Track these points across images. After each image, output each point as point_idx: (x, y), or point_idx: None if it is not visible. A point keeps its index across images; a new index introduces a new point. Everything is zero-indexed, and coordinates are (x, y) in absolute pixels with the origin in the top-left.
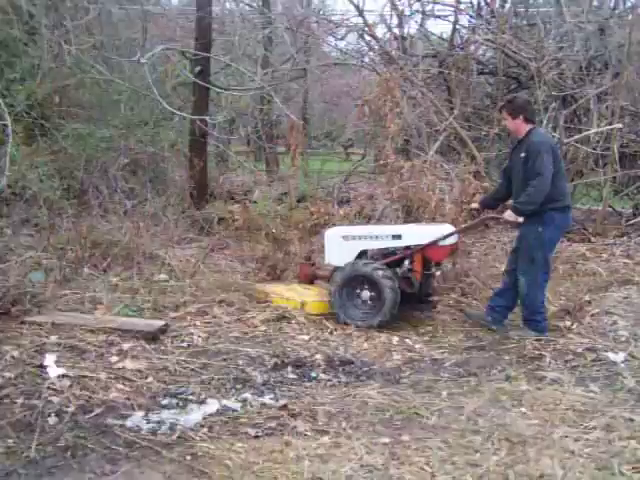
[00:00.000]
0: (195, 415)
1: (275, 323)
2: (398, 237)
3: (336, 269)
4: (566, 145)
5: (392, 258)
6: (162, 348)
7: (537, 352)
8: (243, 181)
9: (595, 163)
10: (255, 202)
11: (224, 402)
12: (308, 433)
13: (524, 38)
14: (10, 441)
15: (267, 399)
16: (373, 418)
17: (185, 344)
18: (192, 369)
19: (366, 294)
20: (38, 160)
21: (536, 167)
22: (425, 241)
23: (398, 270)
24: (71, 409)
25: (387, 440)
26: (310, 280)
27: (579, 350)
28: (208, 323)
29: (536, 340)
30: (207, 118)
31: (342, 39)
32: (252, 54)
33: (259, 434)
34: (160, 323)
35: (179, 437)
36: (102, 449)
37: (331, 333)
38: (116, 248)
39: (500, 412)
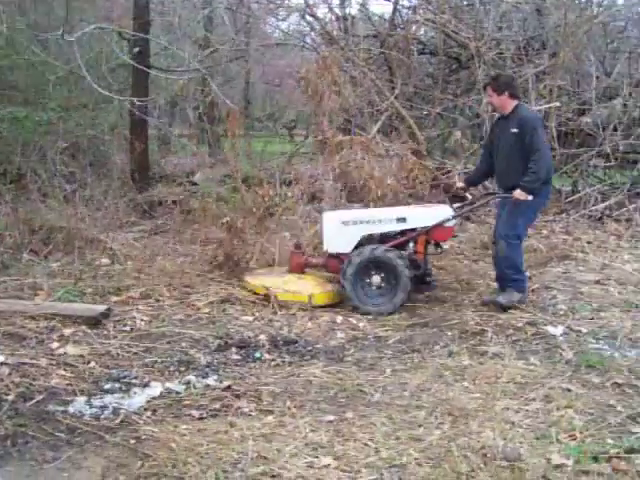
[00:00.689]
0: (139, 399)
1: (219, 305)
2: (403, 220)
3: (333, 256)
4: None
5: (398, 241)
6: (104, 333)
7: (479, 327)
8: (186, 163)
9: None
10: (197, 184)
11: (168, 385)
12: (252, 413)
13: (464, 18)
14: None
15: (211, 380)
16: (317, 396)
17: (128, 328)
18: (135, 353)
19: (377, 279)
20: None
21: (535, 143)
22: (431, 222)
23: (403, 253)
24: (11, 397)
25: (331, 418)
26: (302, 269)
27: (520, 324)
28: (151, 307)
29: (478, 316)
30: (135, 100)
31: (284, 20)
32: (192, 35)
33: (203, 416)
34: (102, 308)
35: (122, 421)
36: (44, 436)
37: (275, 313)
38: (56, 233)
39: (443, 387)
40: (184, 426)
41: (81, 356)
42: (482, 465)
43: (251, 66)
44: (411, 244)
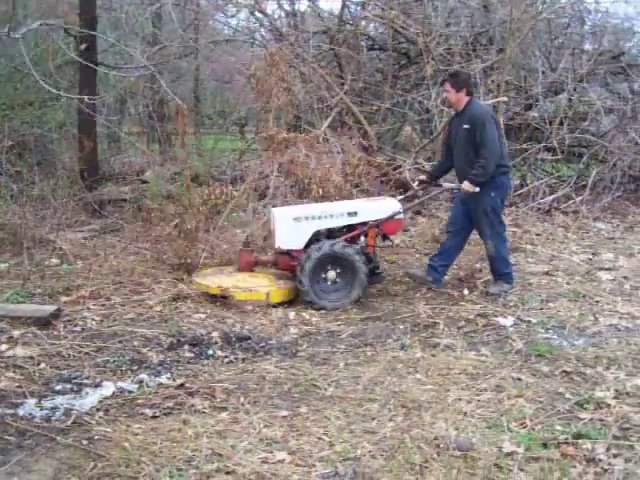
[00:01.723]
0: (90, 399)
1: (171, 303)
2: (354, 214)
3: (283, 253)
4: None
5: (350, 234)
6: (55, 333)
7: (431, 320)
8: (135, 161)
9: None
10: (146, 182)
11: (120, 384)
12: (206, 410)
13: (412, 14)
14: None
15: (164, 379)
16: (271, 392)
17: (79, 328)
18: (86, 353)
19: (332, 274)
20: None
21: (483, 138)
22: (383, 215)
23: (359, 247)
24: None
25: (285, 413)
26: (251, 267)
27: (471, 316)
28: (102, 306)
29: (429, 308)
30: (86, 98)
31: (233, 16)
32: (140, 32)
33: (157, 414)
34: (52, 308)
35: (74, 422)
36: None
37: (227, 311)
38: (3, 233)
39: (396, 380)
40: (137, 425)
41: (31, 357)
42: (435, 455)
43: (200, 63)
44: (362, 238)
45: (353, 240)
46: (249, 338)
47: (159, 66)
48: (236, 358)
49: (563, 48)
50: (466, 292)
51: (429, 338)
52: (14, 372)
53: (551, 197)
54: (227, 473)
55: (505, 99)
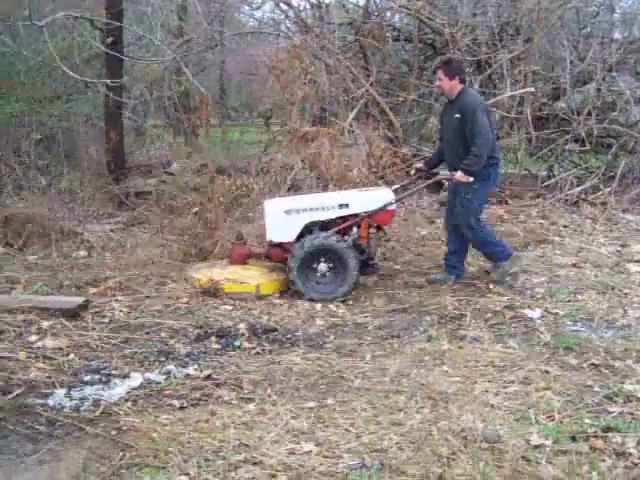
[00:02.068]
0: (119, 390)
1: (197, 295)
2: (345, 206)
3: (275, 245)
4: None
5: (342, 226)
6: (83, 325)
7: (457, 312)
8: (161, 154)
9: (510, 127)
10: (172, 174)
11: (148, 375)
12: (233, 402)
13: (438, 4)
14: None
15: (191, 370)
16: (298, 383)
17: (107, 319)
18: (114, 344)
19: (324, 267)
20: None
21: (475, 128)
22: (375, 207)
23: (347, 238)
24: None
25: (312, 404)
26: (244, 261)
27: (498, 308)
28: (129, 298)
29: (456, 300)
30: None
31: (258, 8)
32: (166, 24)
33: (184, 405)
34: (80, 300)
35: (103, 412)
36: (23, 429)
37: (254, 302)
38: (32, 226)
39: (423, 372)
40: (165, 416)
41: (60, 349)
42: (462, 447)
43: (226, 55)
44: (355, 229)
45: (346, 231)
46: (275, 330)
47: (184, 58)
48: (263, 350)
49: (592, 37)
50: (492, 284)
51: (456, 330)
52: (44, 363)
53: (579, 188)
54: (254, 464)
55: (532, 90)
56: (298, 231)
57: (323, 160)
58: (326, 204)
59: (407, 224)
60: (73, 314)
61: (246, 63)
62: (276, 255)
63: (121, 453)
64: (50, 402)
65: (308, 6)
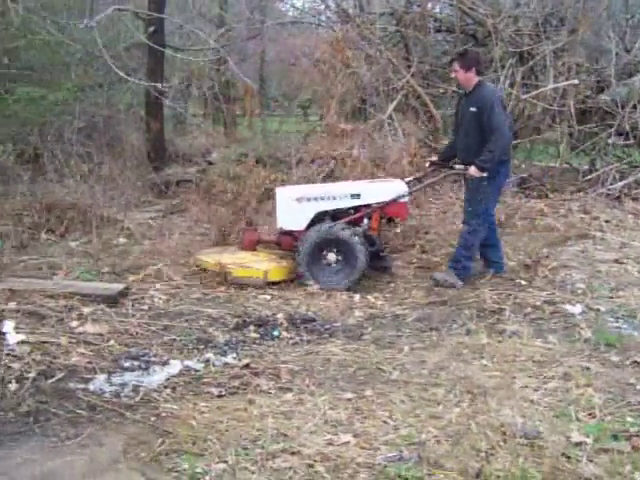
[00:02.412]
0: (158, 376)
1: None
2: (357, 196)
3: (286, 233)
4: (523, 102)
5: (353, 217)
6: (123, 311)
7: (496, 306)
8: (201, 143)
9: (552, 119)
10: (213, 163)
11: (187, 363)
12: (271, 391)
13: None
14: None
15: (230, 358)
16: (336, 374)
17: (146, 307)
18: (154, 331)
19: (332, 256)
20: None
21: (492, 123)
22: (387, 198)
23: (358, 229)
24: (32, 375)
25: (350, 395)
26: (254, 247)
27: (538, 303)
28: (169, 285)
29: (495, 294)
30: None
31: None
32: (207, 14)
33: (222, 393)
34: (120, 286)
35: (142, 399)
36: (65, 413)
37: (293, 292)
38: (74, 213)
39: (461, 365)
40: (203, 404)
41: (100, 334)
42: (502, 442)
43: (266, 45)
44: (366, 220)
45: (356, 222)
46: (314, 320)
47: (225, 48)
48: (301, 340)
49: (639, 28)
50: (532, 278)
51: (495, 324)
52: (84, 348)
53: (621, 183)
54: (292, 454)
55: (576, 82)
56: (309, 219)
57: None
58: (337, 193)
59: (446, 217)
60: (113, 301)
61: (286, 53)
62: (286, 243)
63: (160, 439)
64: (91, 387)
65: None
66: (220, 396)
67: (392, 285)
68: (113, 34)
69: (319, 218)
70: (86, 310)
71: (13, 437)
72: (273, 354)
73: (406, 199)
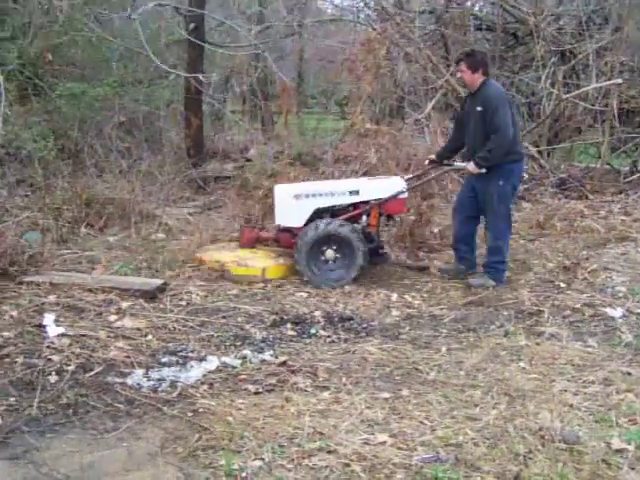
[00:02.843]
0: (195, 372)
1: (274, 280)
2: (355, 192)
3: (284, 230)
4: (564, 101)
5: (351, 213)
6: (161, 306)
7: (535, 308)
8: (239, 139)
9: (593, 120)
10: (251, 160)
11: (224, 359)
12: (308, 389)
13: None
14: (12, 399)
15: (267, 356)
16: (373, 373)
17: (184, 302)
18: (191, 327)
19: (331, 253)
20: (32, 120)
21: (495, 122)
22: (385, 195)
23: (356, 226)
24: (71, 367)
25: (387, 395)
26: (253, 244)
27: (577, 306)
28: (206, 281)
29: (534, 296)
30: (200, 76)
31: None
32: (246, 11)
33: (259, 390)
34: (158, 282)
35: (180, 394)
36: (103, 406)
37: (330, 290)
38: (113, 208)
39: (499, 367)
40: (240, 400)
41: (138, 329)
42: (540, 447)
43: (305, 42)
44: (364, 217)
45: (355, 219)
46: (351, 319)
47: (265, 45)
48: (338, 338)
49: None
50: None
51: (533, 326)
52: (123, 342)
53: None
54: (329, 452)
55: (619, 81)
56: (307, 216)
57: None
58: (336, 190)
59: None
60: (151, 296)
61: (324, 50)
62: (284, 240)
63: (197, 435)
64: (129, 381)
65: None
66: (257, 393)
67: (429, 285)
68: (153, 30)
69: (318, 215)
70: (124, 304)
71: (53, 428)
72: (310, 352)
73: (405, 196)
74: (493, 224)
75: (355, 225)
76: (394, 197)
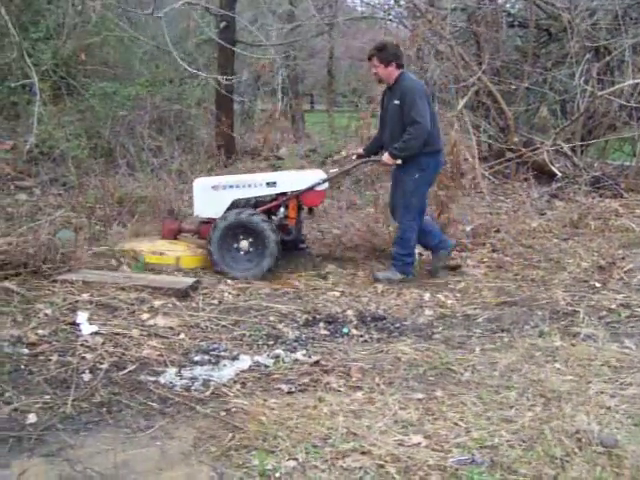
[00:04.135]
0: (228, 371)
1: (306, 280)
2: (273, 184)
3: (205, 222)
4: (599, 98)
5: (269, 205)
6: (193, 305)
7: (570, 308)
8: (270, 138)
9: (629, 117)
10: (282, 158)
11: (256, 358)
12: (341, 389)
13: None
14: (47, 397)
15: (299, 355)
16: (406, 374)
17: (216, 301)
18: (224, 326)
19: (245, 244)
20: (65, 119)
21: (412, 114)
22: (302, 187)
23: (274, 218)
24: (105, 366)
25: (421, 396)
26: (174, 236)
27: (613, 306)
28: (239, 280)
29: (569, 296)
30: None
31: None
32: (277, 9)
33: (292, 390)
34: (191, 280)
35: (213, 393)
36: (137, 405)
37: (362, 289)
38: (144, 206)
39: (534, 368)
40: (273, 400)
41: (171, 328)
42: (577, 450)
43: (335, 41)
44: (282, 209)
45: (272, 211)
46: (384, 318)
47: (295, 44)
48: (371, 338)
49: None
50: (607, 280)
51: (569, 327)
52: (156, 341)
53: None
54: (363, 453)
55: None
56: (225, 207)
57: None
58: (253, 182)
59: (517, 215)
60: (184, 294)
61: (355, 48)
62: (205, 232)
63: (230, 434)
64: (162, 380)
65: None
66: (290, 393)
67: (462, 284)
68: (183, 30)
69: (242, 206)
70: (157, 303)
71: (87, 426)
72: (343, 352)
73: (323, 187)
74: (403, 216)
75: (267, 216)
76: (311, 189)
